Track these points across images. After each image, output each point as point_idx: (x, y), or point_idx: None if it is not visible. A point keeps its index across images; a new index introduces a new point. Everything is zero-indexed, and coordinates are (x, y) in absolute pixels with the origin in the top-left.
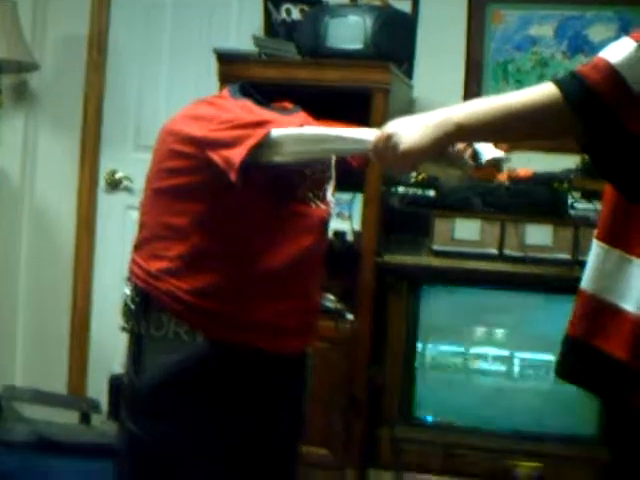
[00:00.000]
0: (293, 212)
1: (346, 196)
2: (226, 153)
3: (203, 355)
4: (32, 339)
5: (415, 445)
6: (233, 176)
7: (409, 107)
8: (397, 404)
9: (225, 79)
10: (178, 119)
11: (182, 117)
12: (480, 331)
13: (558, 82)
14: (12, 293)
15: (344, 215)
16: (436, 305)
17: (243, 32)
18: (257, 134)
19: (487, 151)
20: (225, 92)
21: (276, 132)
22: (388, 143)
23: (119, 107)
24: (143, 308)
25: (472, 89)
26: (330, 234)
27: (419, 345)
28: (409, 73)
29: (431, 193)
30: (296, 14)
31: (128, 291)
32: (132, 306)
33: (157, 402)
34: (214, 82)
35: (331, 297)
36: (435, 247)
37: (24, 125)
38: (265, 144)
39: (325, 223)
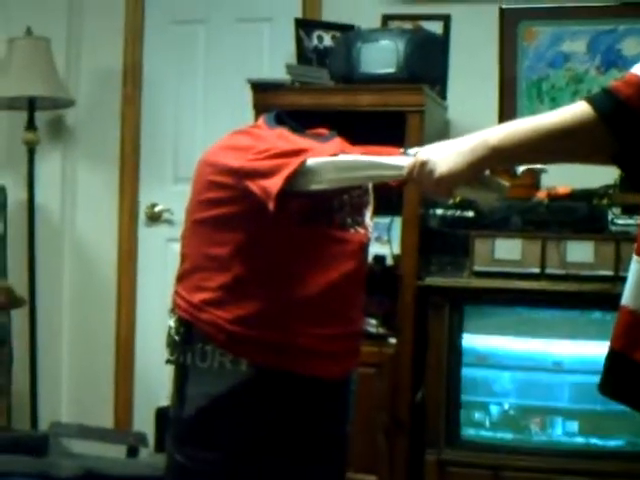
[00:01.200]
0: (332, 238)
1: (384, 220)
2: (263, 183)
3: (248, 383)
4: (77, 374)
5: (461, 468)
6: (271, 205)
7: (444, 128)
8: (443, 426)
9: (260, 108)
10: (215, 150)
11: (219, 148)
12: (524, 349)
13: (590, 99)
14: (56, 328)
15: (383, 239)
16: (479, 325)
17: (276, 60)
18: (293, 163)
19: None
20: (261, 121)
21: (312, 161)
22: (423, 170)
23: (156, 140)
24: (187, 339)
25: (506, 108)
26: (370, 258)
27: (463, 367)
28: (443, 94)
29: (470, 214)
30: (328, 40)
31: (172, 323)
32: (176, 338)
33: (203, 431)
34: (249, 111)
35: (373, 321)
36: (476, 268)
37: (61, 161)
38: (301, 173)
39: (365, 248)
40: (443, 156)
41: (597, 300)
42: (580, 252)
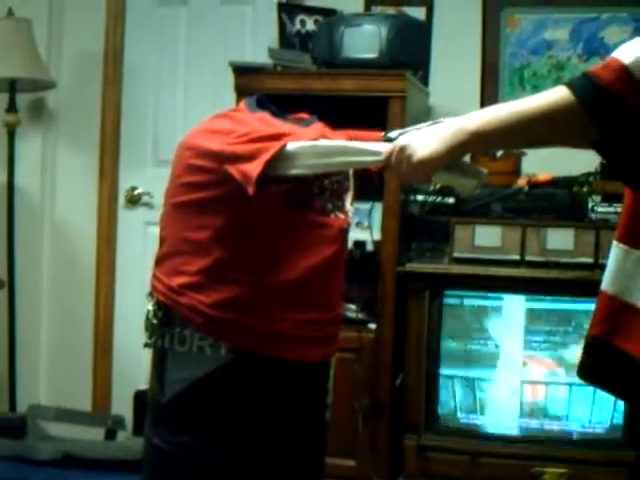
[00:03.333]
0: (312, 223)
1: (365, 205)
2: (243, 167)
3: (227, 367)
4: (55, 357)
5: (441, 453)
6: (250, 190)
7: (426, 114)
8: (422, 412)
9: (241, 92)
10: (195, 133)
11: (199, 131)
12: (503, 336)
13: (570, 84)
14: (35, 311)
15: (363, 225)
16: (458, 312)
17: (258, 44)
18: (273, 147)
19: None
20: (242, 105)
21: (292, 145)
22: (402, 154)
23: (136, 123)
24: (166, 323)
25: (488, 95)
26: (350, 244)
27: (442, 352)
28: (425, 80)
29: (451, 200)
30: (310, 25)
31: (150, 306)
32: (155, 321)
33: (182, 415)
34: (231, 95)
35: (353, 307)
36: (456, 254)
37: (42, 143)
38: (281, 157)
39: (345, 233)
40: (422, 141)
41: (576, 287)
42: (560, 239)
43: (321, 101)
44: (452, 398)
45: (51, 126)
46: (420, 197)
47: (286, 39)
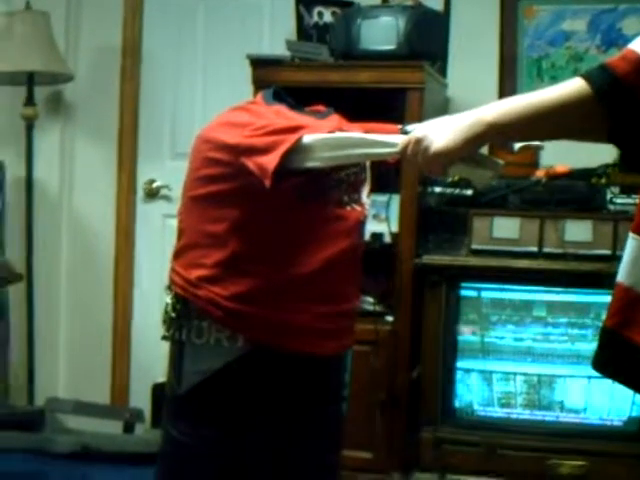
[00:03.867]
0: (329, 215)
1: (382, 197)
2: (260, 160)
3: (243, 359)
4: (74, 350)
5: (457, 446)
6: (267, 183)
7: (444, 106)
8: (439, 405)
9: (259, 84)
10: (213, 126)
11: (217, 124)
12: (520, 329)
13: (587, 75)
14: (53, 304)
15: (381, 217)
16: (475, 304)
17: (276, 36)
18: (290, 140)
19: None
20: (259, 98)
21: (308, 138)
22: (419, 146)
23: (155, 115)
24: (183, 316)
25: (507, 86)
26: (367, 236)
27: (459, 345)
28: (443, 72)
29: (468, 192)
30: (328, 17)
31: (169, 299)
32: (173, 314)
33: (199, 407)
34: (248, 87)
35: (370, 299)
36: (474, 246)
37: (60, 136)
38: (297, 150)
39: (361, 226)
40: (439, 133)
41: (595, 279)
42: (578, 231)
43: (339, 93)
44: (469, 391)
45: (69, 119)
46: (437, 189)
47: (303, 31)
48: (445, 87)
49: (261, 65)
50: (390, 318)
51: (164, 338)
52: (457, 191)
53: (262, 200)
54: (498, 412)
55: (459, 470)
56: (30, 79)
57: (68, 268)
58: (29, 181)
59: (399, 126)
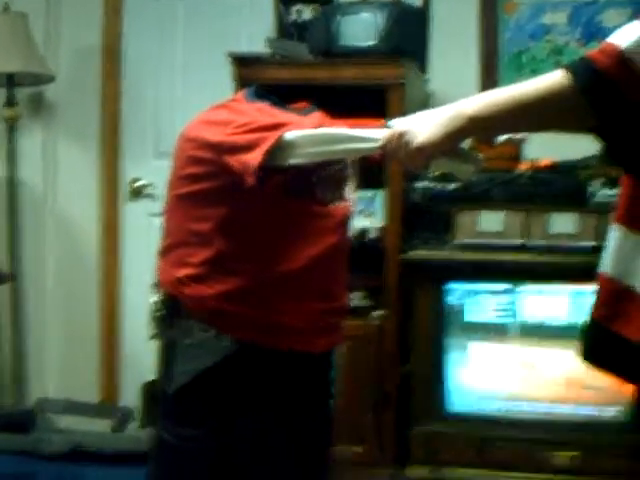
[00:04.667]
0: (313, 213)
1: (368, 193)
2: (243, 157)
3: (230, 358)
4: (63, 350)
5: (448, 440)
6: (250, 180)
7: (425, 101)
8: (429, 399)
9: (240, 82)
10: (195, 125)
11: (198, 122)
12: (508, 322)
13: (568, 67)
14: (41, 304)
15: (367, 212)
16: (462, 298)
17: (255, 35)
18: (272, 137)
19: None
20: (240, 95)
21: (290, 134)
22: (400, 141)
23: (137, 115)
24: (171, 314)
25: (488, 80)
26: (353, 232)
27: (447, 338)
28: (423, 67)
29: (452, 187)
30: (307, 14)
31: (156, 298)
32: (160, 313)
33: (187, 408)
34: (229, 86)
35: (358, 295)
36: (459, 241)
37: (42, 137)
38: (280, 146)
39: (347, 222)
40: (420, 127)
41: (580, 272)
42: (563, 224)
43: (321, 91)
44: (459, 385)
45: (51, 119)
46: (422, 184)
47: (283, 29)
48: (426, 82)
49: (242, 63)
50: (378, 313)
51: (152, 337)
52: (441, 186)
53: (246, 198)
54: (489, 405)
55: (451, 464)
56: (10, 80)
57: (54, 268)
58: (12, 182)
59: (383, 122)
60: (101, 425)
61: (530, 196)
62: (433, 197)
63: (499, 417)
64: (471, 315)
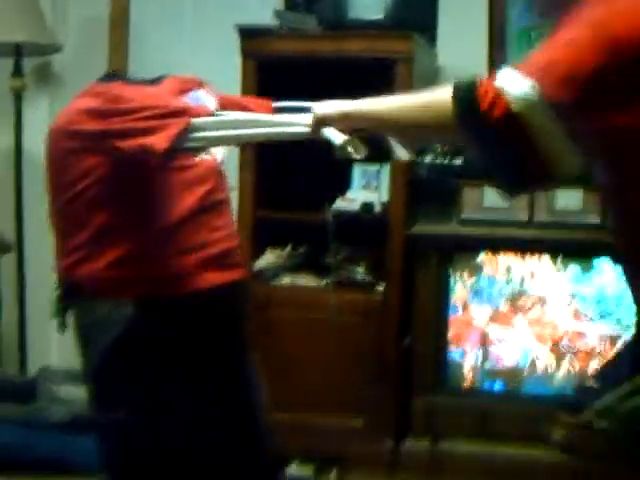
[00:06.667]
0: (179, 166)
1: (373, 167)
2: (143, 140)
3: (136, 322)
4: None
5: (449, 414)
6: (156, 161)
7: (434, 75)
8: (430, 372)
9: (248, 54)
10: (68, 119)
11: (72, 115)
12: (512, 298)
13: (456, 91)
14: (44, 274)
15: (371, 186)
16: (466, 272)
17: (264, 6)
18: (180, 122)
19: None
20: (93, 83)
21: (199, 120)
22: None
23: None
24: (72, 299)
25: (496, 55)
26: (358, 206)
27: (450, 313)
28: (433, 41)
29: (458, 162)
30: None
31: (56, 289)
32: (62, 302)
33: (109, 385)
34: (237, 57)
35: (360, 269)
36: (464, 216)
37: (49, 107)
38: (188, 130)
39: (217, 172)
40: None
41: (585, 247)
42: (568, 200)
43: (329, 65)
44: (460, 359)
45: (58, 90)
46: (428, 159)
47: (291, 1)
48: (435, 56)
49: (250, 35)
50: (381, 287)
51: (60, 327)
52: (447, 161)
53: (112, 172)
54: (491, 380)
55: (451, 436)
56: (17, 50)
57: None
58: (18, 152)
59: (270, 102)
60: None
61: None
62: (439, 172)
63: (500, 390)
64: (473, 288)
